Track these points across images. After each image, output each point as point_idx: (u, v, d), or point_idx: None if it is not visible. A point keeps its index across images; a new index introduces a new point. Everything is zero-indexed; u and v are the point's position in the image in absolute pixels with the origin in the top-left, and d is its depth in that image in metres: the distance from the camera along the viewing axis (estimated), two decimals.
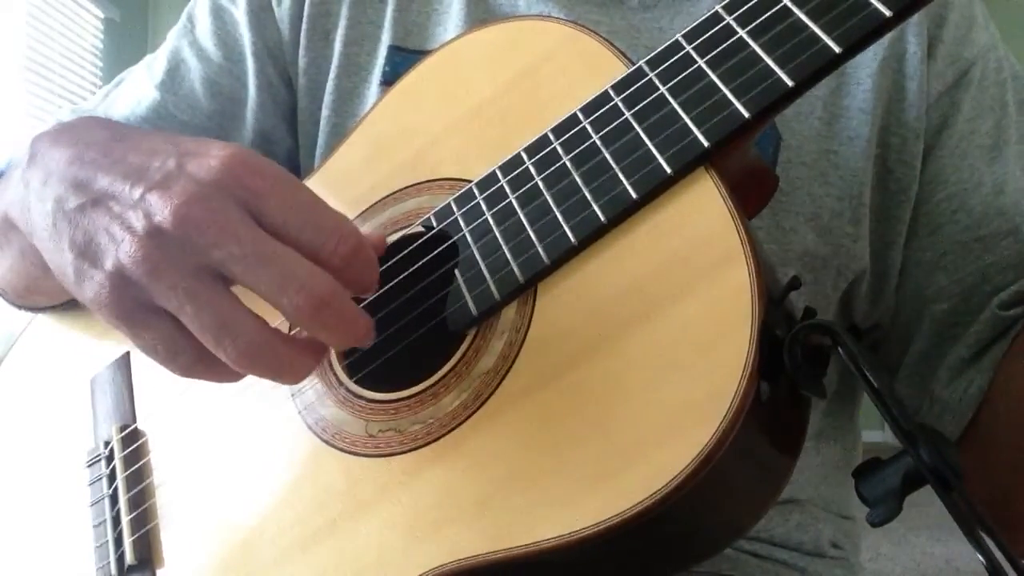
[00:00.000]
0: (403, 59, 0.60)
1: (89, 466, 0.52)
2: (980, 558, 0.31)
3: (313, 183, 0.55)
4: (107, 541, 0.48)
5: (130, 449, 0.51)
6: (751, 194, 0.45)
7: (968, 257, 0.52)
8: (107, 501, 0.50)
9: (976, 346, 0.51)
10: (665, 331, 0.37)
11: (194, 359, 0.37)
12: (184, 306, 0.35)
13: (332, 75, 0.61)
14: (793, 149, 0.53)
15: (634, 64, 0.44)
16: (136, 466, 0.50)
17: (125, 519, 0.48)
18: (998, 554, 0.32)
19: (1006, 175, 0.53)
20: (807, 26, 0.38)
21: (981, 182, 0.53)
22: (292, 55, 0.63)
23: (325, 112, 0.61)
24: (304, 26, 0.62)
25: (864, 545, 0.59)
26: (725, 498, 0.38)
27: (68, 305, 0.58)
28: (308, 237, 0.35)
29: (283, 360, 0.36)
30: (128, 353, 0.55)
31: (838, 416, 0.59)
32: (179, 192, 0.35)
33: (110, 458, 0.51)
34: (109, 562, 0.48)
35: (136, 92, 0.65)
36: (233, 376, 0.38)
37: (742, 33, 0.40)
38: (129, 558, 0.47)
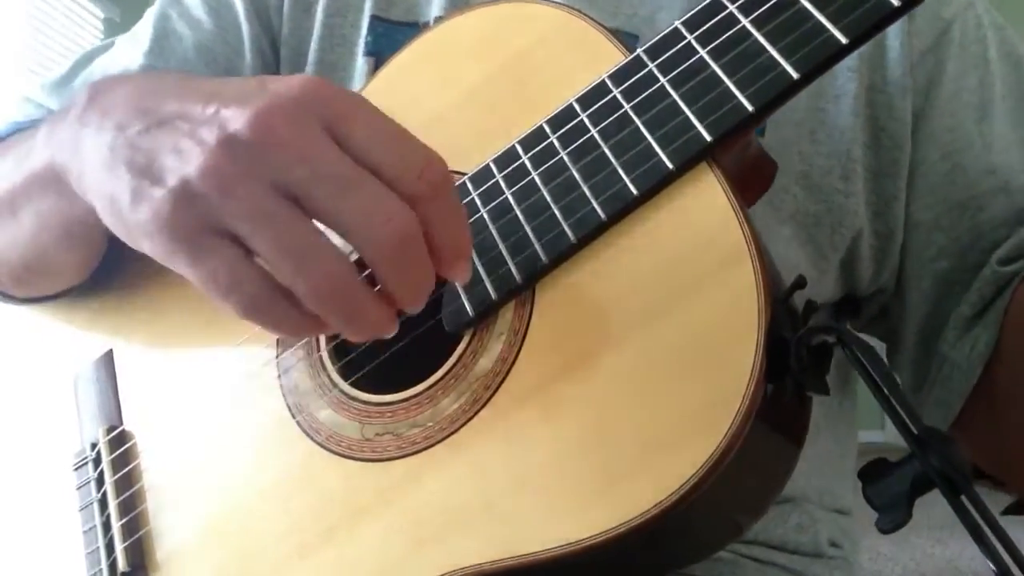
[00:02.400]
0: (386, 29, 0.58)
1: (76, 469, 0.51)
2: (990, 564, 0.31)
3: None
4: (98, 547, 0.47)
5: (118, 452, 0.49)
6: (752, 183, 0.45)
7: (964, 215, 0.53)
8: (96, 506, 0.49)
9: (979, 303, 0.52)
10: (669, 334, 0.37)
11: (260, 290, 0.32)
12: (260, 226, 0.31)
13: (314, 47, 0.59)
14: (782, 109, 0.53)
15: (629, 51, 0.43)
16: (125, 470, 0.49)
17: (116, 525, 0.47)
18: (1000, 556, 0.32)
19: (994, 132, 0.54)
20: (813, 15, 0.37)
21: (971, 141, 0.53)
22: (278, 23, 0.61)
23: None
24: None
25: (864, 545, 0.59)
26: (731, 500, 0.38)
27: (56, 298, 0.56)
28: (394, 161, 0.32)
29: (360, 304, 0.33)
30: (111, 351, 0.54)
31: (830, 405, 0.58)
32: (259, 104, 0.31)
33: (97, 461, 0.50)
34: (101, 569, 0.47)
35: (120, 62, 0.62)
36: (294, 323, 0.34)
37: (745, 22, 0.39)
38: (122, 565, 0.46)
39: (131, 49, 0.62)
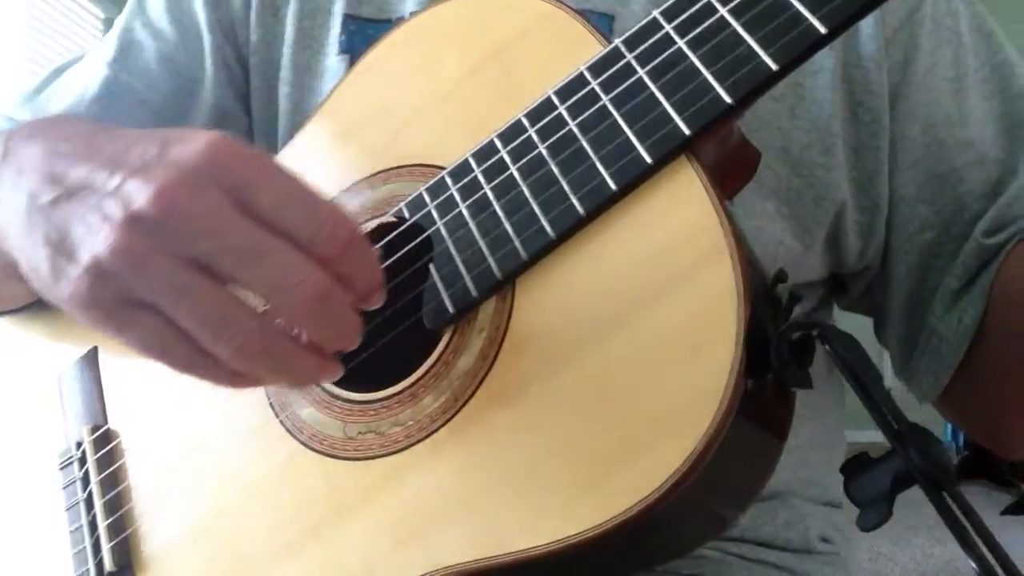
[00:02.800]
0: (359, 27, 0.58)
1: (61, 468, 0.51)
2: (971, 562, 0.31)
3: None
4: (85, 547, 0.47)
5: (103, 451, 0.49)
6: (735, 173, 0.44)
7: (944, 187, 0.54)
8: (82, 505, 0.49)
9: (965, 276, 0.53)
10: (649, 331, 0.36)
11: (189, 352, 0.33)
12: (176, 299, 0.32)
13: (286, 51, 0.59)
14: None
15: (608, 40, 0.42)
16: (110, 469, 0.49)
17: (102, 524, 0.47)
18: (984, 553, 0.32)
19: (969, 105, 0.54)
20: (791, 4, 0.36)
21: (949, 114, 0.54)
22: (244, 33, 0.61)
23: (285, 89, 0.59)
24: (254, 2, 0.60)
25: (864, 545, 0.59)
26: (713, 496, 0.38)
27: (31, 308, 0.56)
28: (301, 224, 0.33)
29: (286, 360, 0.34)
30: (95, 348, 0.53)
31: (815, 395, 0.58)
32: (161, 177, 0.32)
33: (83, 460, 0.50)
34: (88, 568, 0.47)
35: (85, 74, 0.62)
36: (229, 379, 0.35)
37: (723, 12, 0.38)
38: (108, 565, 0.46)
39: (95, 63, 0.62)
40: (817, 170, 0.54)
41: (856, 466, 0.35)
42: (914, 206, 0.54)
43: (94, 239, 0.32)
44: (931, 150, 0.54)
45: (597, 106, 0.40)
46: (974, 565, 0.31)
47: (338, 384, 0.44)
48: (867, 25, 0.54)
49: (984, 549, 0.32)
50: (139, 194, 0.32)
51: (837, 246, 0.56)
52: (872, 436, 0.36)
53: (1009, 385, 0.52)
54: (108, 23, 3.28)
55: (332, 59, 0.58)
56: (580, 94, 0.41)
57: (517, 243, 0.40)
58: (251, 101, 0.61)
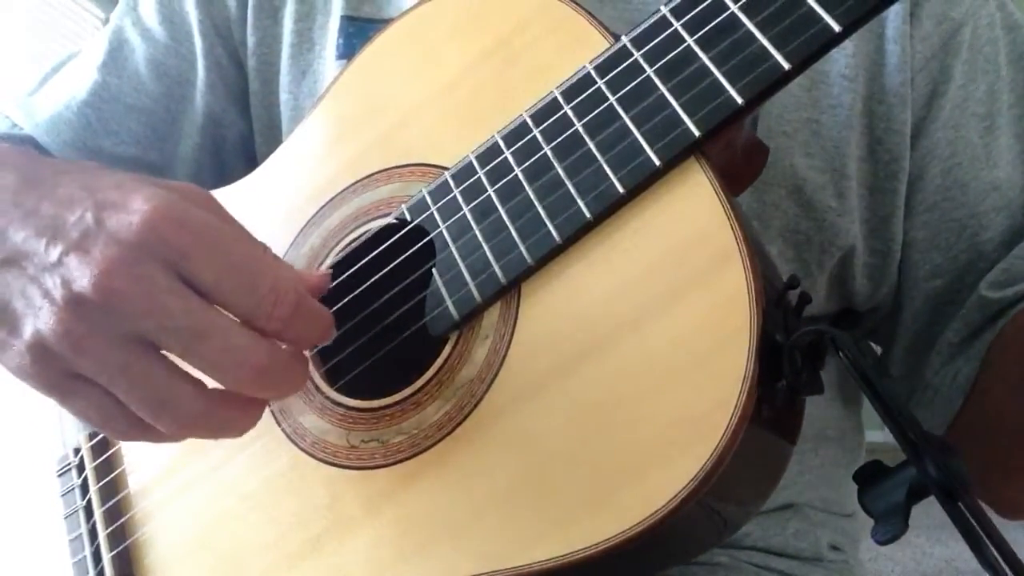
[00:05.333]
0: (357, 29, 0.56)
1: (59, 475, 0.50)
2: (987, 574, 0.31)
3: (271, 169, 0.51)
4: (85, 556, 0.47)
5: (102, 459, 0.49)
6: (743, 172, 0.43)
7: (963, 234, 0.50)
8: (81, 513, 0.48)
9: (964, 331, 0.50)
10: (658, 339, 0.36)
11: (129, 426, 0.34)
12: (115, 380, 0.33)
13: (285, 54, 0.57)
14: (773, 117, 0.50)
15: (615, 37, 0.41)
16: (109, 477, 0.48)
17: (102, 533, 0.46)
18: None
19: (999, 146, 0.50)
20: (805, 2, 0.35)
21: (976, 155, 0.50)
22: (240, 34, 0.59)
23: (284, 95, 0.57)
24: (251, 4, 0.58)
25: (864, 545, 0.58)
26: (725, 504, 0.37)
27: None
28: (241, 300, 0.33)
29: (223, 423, 0.35)
30: None
31: (841, 418, 0.57)
32: (99, 257, 0.32)
33: (81, 467, 0.49)
34: None
35: (75, 77, 0.60)
36: (170, 440, 0.36)
37: (734, 8, 0.37)
38: (109, 574, 0.45)
39: (85, 65, 0.61)
40: (828, 214, 0.50)
41: (869, 475, 0.35)
42: (927, 252, 0.51)
43: (35, 317, 0.33)
44: (950, 193, 0.50)
45: (604, 106, 0.39)
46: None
47: (341, 391, 0.43)
48: (893, 55, 0.50)
49: (1001, 561, 0.31)
50: (79, 275, 0.32)
51: (843, 286, 0.53)
52: (886, 435, 0.35)
53: (993, 451, 0.49)
54: (108, 23, 3.25)
55: (331, 63, 0.56)
56: (586, 94, 0.39)
57: (522, 248, 0.39)
58: (250, 104, 0.60)
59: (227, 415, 0.34)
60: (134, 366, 0.32)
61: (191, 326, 0.32)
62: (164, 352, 0.33)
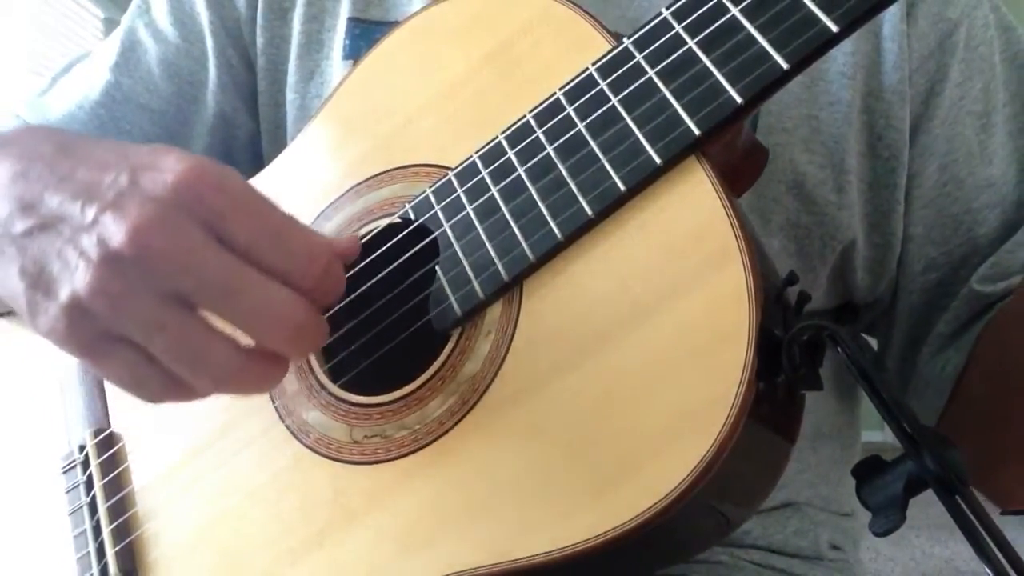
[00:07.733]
0: (363, 31, 0.57)
1: (64, 472, 0.50)
2: (986, 568, 0.31)
3: (278, 170, 0.52)
4: (89, 552, 0.47)
5: (106, 455, 0.49)
6: (743, 172, 0.44)
7: (959, 230, 0.51)
8: (86, 510, 0.48)
9: (955, 323, 0.51)
10: (658, 334, 0.36)
11: (163, 386, 0.34)
12: (152, 338, 0.33)
13: (293, 54, 0.58)
14: (774, 115, 0.51)
15: (617, 39, 0.41)
16: (114, 473, 0.48)
17: (106, 529, 0.47)
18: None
19: (994, 143, 0.51)
20: (804, 4, 0.36)
21: (971, 152, 0.51)
22: (251, 35, 0.60)
23: (291, 95, 0.58)
24: (260, 4, 0.59)
25: (864, 545, 0.59)
26: (723, 500, 0.38)
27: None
28: (278, 260, 0.33)
29: (258, 378, 0.35)
30: None
31: (837, 414, 0.58)
32: (135, 214, 0.32)
33: (86, 464, 0.49)
34: (92, 573, 0.46)
35: (88, 77, 0.61)
36: (203, 396, 0.36)
37: (735, 11, 0.37)
38: (113, 570, 0.46)
39: (98, 66, 0.62)
40: (828, 208, 0.51)
41: (868, 469, 0.35)
42: (923, 246, 0.52)
43: (72, 277, 0.33)
44: (947, 189, 0.51)
45: (606, 107, 0.39)
46: (988, 570, 0.31)
47: (344, 387, 0.44)
48: (891, 53, 0.51)
49: (998, 554, 0.31)
50: (115, 232, 0.32)
51: (843, 280, 0.54)
52: (884, 435, 0.35)
53: (977, 440, 0.49)
54: (108, 23, 3.26)
55: (338, 64, 0.57)
56: (589, 95, 0.40)
57: (525, 246, 0.39)
58: (258, 104, 0.61)
59: (262, 370, 0.34)
60: (171, 322, 0.32)
61: (228, 282, 0.32)
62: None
